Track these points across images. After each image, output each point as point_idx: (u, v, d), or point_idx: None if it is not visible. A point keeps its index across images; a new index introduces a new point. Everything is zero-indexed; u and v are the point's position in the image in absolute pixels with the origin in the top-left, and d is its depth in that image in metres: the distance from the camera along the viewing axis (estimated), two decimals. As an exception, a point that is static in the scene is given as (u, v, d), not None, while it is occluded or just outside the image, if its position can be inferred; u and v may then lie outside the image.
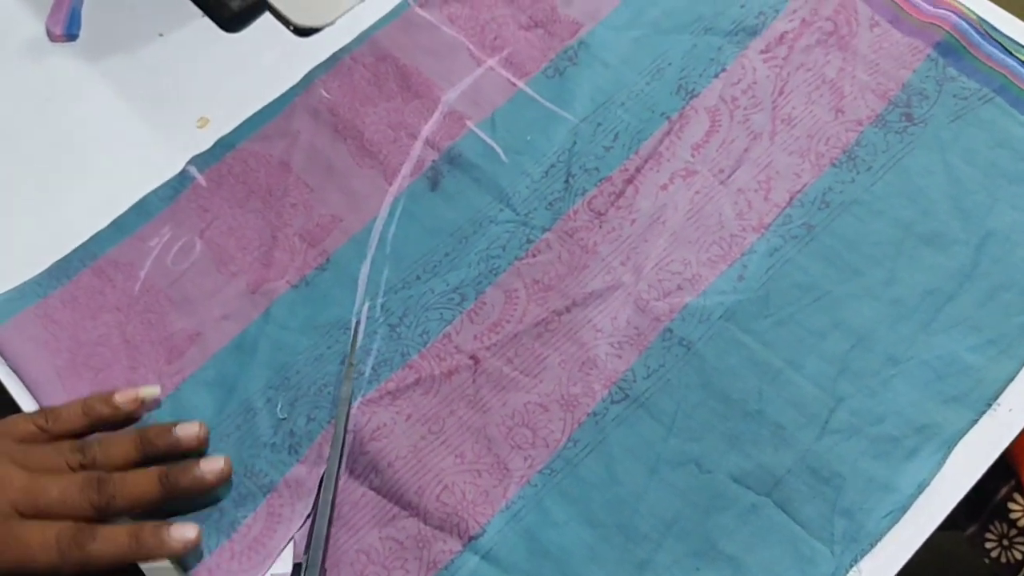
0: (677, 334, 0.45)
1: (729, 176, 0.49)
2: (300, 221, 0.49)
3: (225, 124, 0.52)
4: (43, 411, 0.43)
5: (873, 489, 0.42)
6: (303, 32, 0.55)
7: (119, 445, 0.42)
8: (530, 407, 0.44)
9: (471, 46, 0.53)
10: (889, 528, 0.41)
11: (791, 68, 0.51)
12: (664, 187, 0.49)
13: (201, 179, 0.50)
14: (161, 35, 0.55)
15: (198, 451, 0.43)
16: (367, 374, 0.45)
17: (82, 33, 0.56)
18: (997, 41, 0.51)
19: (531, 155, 0.50)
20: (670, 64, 0.52)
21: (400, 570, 0.41)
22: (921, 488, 0.42)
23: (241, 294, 0.47)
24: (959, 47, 0.51)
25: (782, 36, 0.52)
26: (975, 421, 0.43)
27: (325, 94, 0.52)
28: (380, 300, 0.47)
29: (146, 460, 0.42)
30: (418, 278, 0.47)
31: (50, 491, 0.40)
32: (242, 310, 0.47)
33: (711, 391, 0.44)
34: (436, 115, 0.51)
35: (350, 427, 0.44)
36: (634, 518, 0.42)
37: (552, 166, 0.50)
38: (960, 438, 0.43)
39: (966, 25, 0.51)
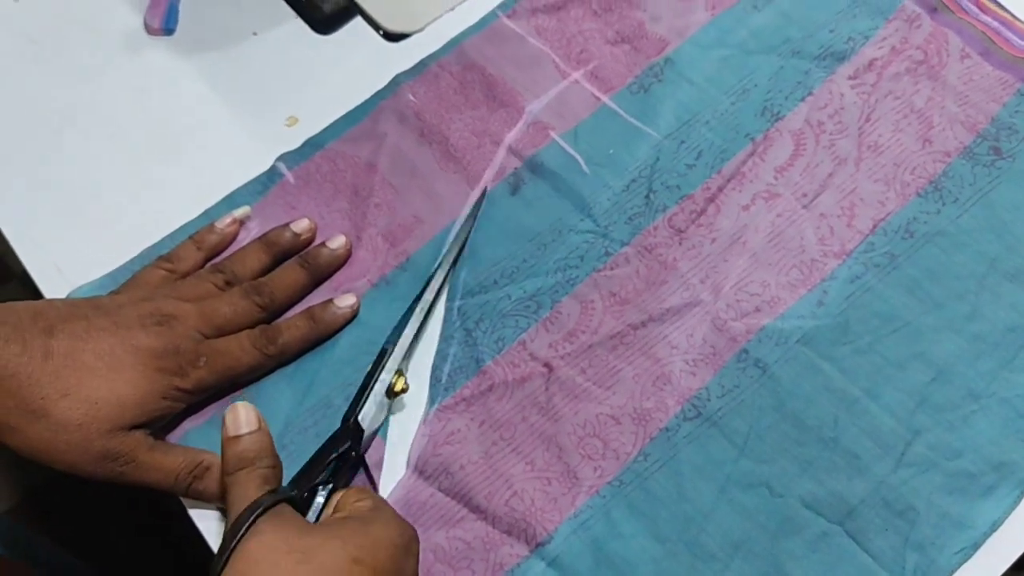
0: (753, 355, 0.45)
1: (812, 200, 0.49)
2: (384, 221, 0.50)
3: (313, 123, 0.53)
4: (163, 257, 0.47)
5: (947, 525, 0.42)
6: (392, 37, 0.56)
7: (249, 254, 0.47)
8: (602, 418, 0.45)
9: (557, 58, 0.54)
10: (960, 565, 0.41)
11: (879, 95, 0.51)
12: (746, 208, 0.49)
13: (289, 176, 0.51)
14: (255, 34, 0.57)
15: (312, 241, 0.49)
16: (443, 380, 0.46)
17: (178, 28, 0.57)
18: (1092, 78, 0.51)
19: (613, 168, 0.50)
20: (756, 85, 0.52)
21: (466, 570, 0.42)
22: (995, 527, 0.42)
23: (324, 292, 0.48)
24: (1052, 82, 0.51)
25: (871, 63, 0.52)
26: (1055, 462, 0.43)
27: (412, 99, 0.53)
28: (457, 303, 0.48)
29: (275, 262, 0.47)
30: (495, 283, 0.48)
31: (221, 310, 0.44)
32: (324, 306, 0.48)
33: (785, 415, 0.44)
34: (520, 124, 0.52)
35: (426, 431, 0.44)
36: (701, 536, 0.42)
37: (633, 180, 0.50)
38: (1039, 478, 0.42)
39: (1061, 61, 0.51)
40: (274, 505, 0.36)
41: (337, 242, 0.48)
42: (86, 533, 0.96)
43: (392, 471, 0.44)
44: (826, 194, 0.49)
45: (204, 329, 0.43)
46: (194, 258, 0.47)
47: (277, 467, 0.40)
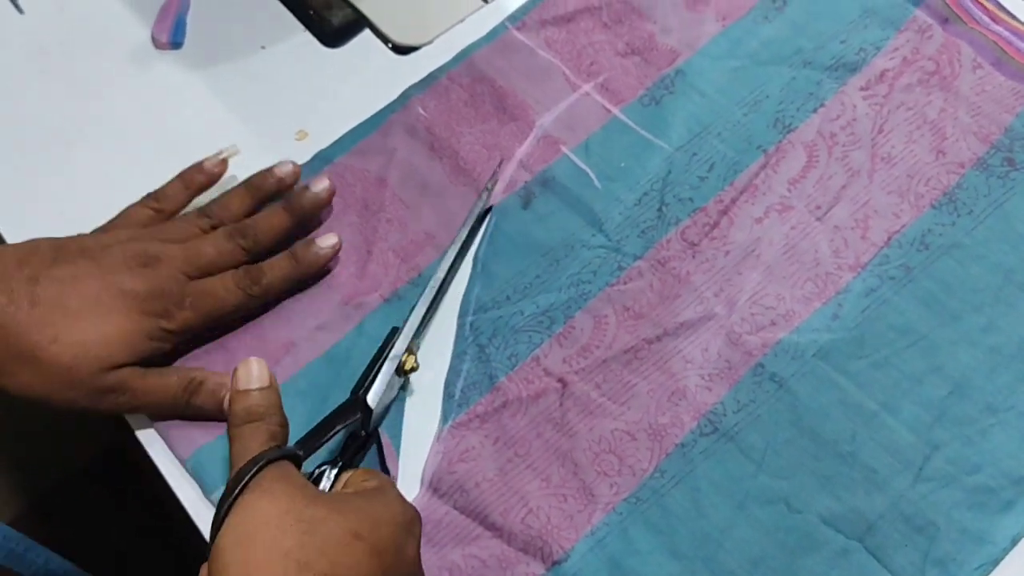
0: (769, 369, 0.45)
1: (826, 213, 0.48)
2: (395, 237, 0.49)
3: (323, 137, 0.53)
4: (150, 195, 0.48)
5: (967, 540, 0.41)
6: (401, 50, 0.56)
7: (233, 198, 0.47)
8: (617, 434, 0.44)
9: (567, 71, 0.54)
10: (980, 581, 0.41)
11: (891, 106, 0.51)
12: (759, 220, 0.49)
13: (300, 191, 0.51)
14: (263, 47, 0.56)
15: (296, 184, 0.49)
16: (456, 397, 0.45)
17: (186, 42, 0.57)
18: (1105, 88, 0.50)
19: (624, 182, 0.50)
20: (768, 97, 0.52)
21: (482, 590, 0.42)
22: (1015, 542, 0.42)
23: (335, 306, 0.48)
24: (1065, 92, 0.50)
25: (883, 74, 0.52)
26: (1074, 476, 0.42)
27: (422, 112, 0.53)
28: (470, 319, 0.47)
29: (259, 207, 0.48)
30: (508, 299, 0.48)
31: (205, 251, 0.44)
32: (336, 322, 0.47)
33: (802, 429, 0.44)
34: (531, 138, 0.52)
35: (440, 448, 0.44)
36: (719, 553, 0.42)
37: (645, 194, 0.50)
38: (1058, 493, 0.42)
39: (1073, 70, 0.51)
40: (278, 459, 0.37)
41: (320, 184, 0.48)
42: (87, 536, 0.96)
43: (406, 487, 0.44)
44: (840, 206, 0.49)
45: (188, 271, 0.44)
46: (181, 197, 0.48)
47: (285, 426, 0.40)
